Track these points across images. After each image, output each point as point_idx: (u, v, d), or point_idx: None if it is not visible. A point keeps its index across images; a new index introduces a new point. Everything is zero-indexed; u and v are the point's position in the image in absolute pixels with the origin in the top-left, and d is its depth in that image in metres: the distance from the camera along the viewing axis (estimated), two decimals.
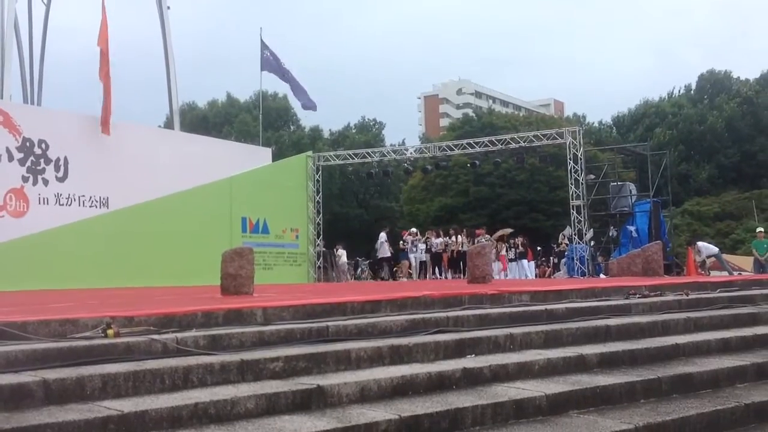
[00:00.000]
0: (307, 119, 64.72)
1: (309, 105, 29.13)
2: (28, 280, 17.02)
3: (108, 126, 20.77)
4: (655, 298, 10.08)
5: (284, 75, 28.53)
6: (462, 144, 27.65)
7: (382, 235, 27.74)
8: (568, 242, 26.37)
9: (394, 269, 28.64)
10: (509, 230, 31.03)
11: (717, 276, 20.19)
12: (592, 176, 26.77)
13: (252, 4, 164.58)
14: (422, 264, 27.16)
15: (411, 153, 30.55)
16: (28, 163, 18.98)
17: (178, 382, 5.39)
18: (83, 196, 20.08)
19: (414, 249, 27.14)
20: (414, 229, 29.43)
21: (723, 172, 56.58)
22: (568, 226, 26.19)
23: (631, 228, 25.31)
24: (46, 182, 19.32)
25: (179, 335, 6.11)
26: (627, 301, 9.70)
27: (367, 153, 29.04)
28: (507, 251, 27.42)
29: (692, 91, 66.32)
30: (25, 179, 18.86)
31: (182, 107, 54.28)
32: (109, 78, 21.23)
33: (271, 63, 28.22)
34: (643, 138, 51.81)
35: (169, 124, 32.99)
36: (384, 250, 27.71)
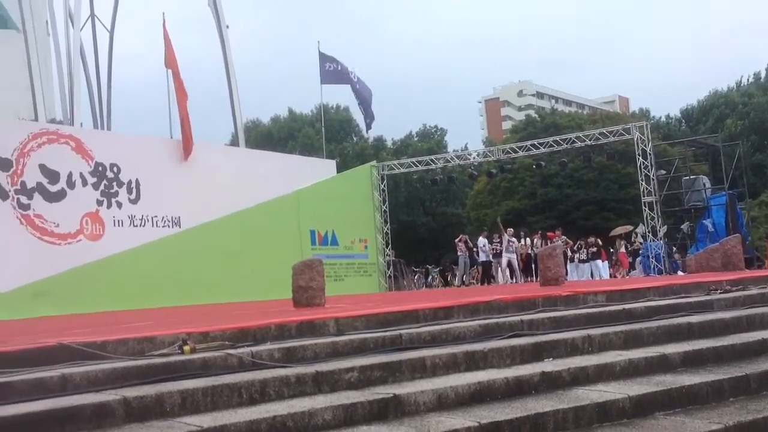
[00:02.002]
0: (369, 130, 64.94)
1: (368, 122, 29.22)
2: (107, 301, 17.43)
3: (189, 151, 21.26)
4: (737, 293, 9.75)
5: (353, 86, 28.64)
6: (526, 146, 27.34)
7: (481, 240, 27.02)
8: (642, 240, 25.80)
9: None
10: (629, 227, 29.85)
11: None
12: (663, 171, 26.18)
13: (309, 19, 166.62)
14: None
15: (474, 158, 30.35)
16: (102, 187, 19.43)
17: (256, 396, 5.40)
18: (156, 216, 20.45)
19: (510, 248, 26.28)
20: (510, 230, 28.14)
21: None
22: (641, 224, 25.64)
23: (707, 222, 24.64)
24: (119, 205, 19.75)
25: (254, 349, 6.15)
26: (708, 297, 9.41)
27: (431, 160, 28.97)
28: (579, 252, 26.96)
29: (762, 79, 64.38)
30: (99, 203, 19.31)
31: (246, 124, 55.11)
32: (185, 102, 21.70)
33: (333, 74, 28.36)
34: (713, 130, 50.48)
35: (234, 142, 33.46)
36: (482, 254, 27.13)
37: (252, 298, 18.19)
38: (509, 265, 25.96)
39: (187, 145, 21.41)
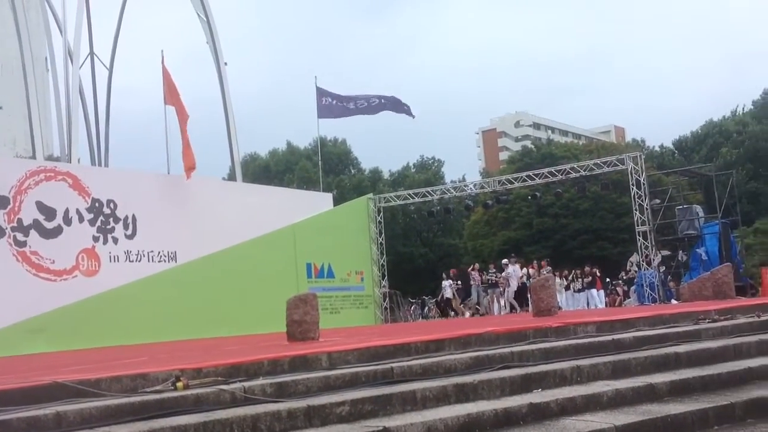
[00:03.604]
0: (366, 162, 65.40)
1: (404, 110, 29.01)
2: (103, 337, 17.51)
3: (190, 172, 21.48)
4: (725, 322, 9.85)
5: (354, 109, 28.74)
6: (522, 177, 27.54)
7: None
8: (636, 269, 25.91)
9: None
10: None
11: None
12: (657, 201, 26.35)
13: (306, 51, 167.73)
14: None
15: (471, 189, 30.56)
16: (98, 223, 19.56)
17: (247, 431, 5.49)
18: (152, 251, 20.56)
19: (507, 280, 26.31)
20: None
21: None
22: (635, 253, 25.76)
23: (701, 251, 24.78)
24: (116, 240, 19.87)
25: (246, 384, 6.24)
26: (696, 327, 9.52)
27: (428, 192, 29.15)
28: (575, 281, 27.07)
29: (757, 108, 64.85)
30: (95, 239, 19.43)
31: (244, 158, 55.54)
32: (185, 130, 22.05)
33: (329, 109, 28.61)
34: (708, 159, 50.79)
35: (231, 176, 33.66)
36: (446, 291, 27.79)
37: (248, 332, 18.28)
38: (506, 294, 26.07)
39: (187, 163, 21.63)
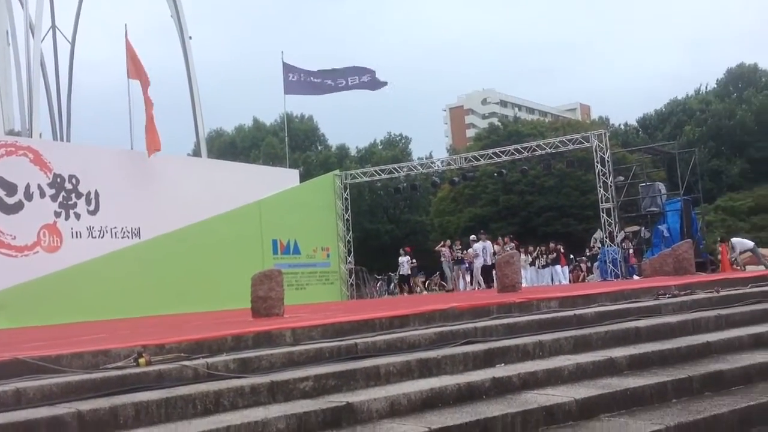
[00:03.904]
0: (333, 138, 65.18)
1: (374, 84, 28.78)
2: (65, 313, 17.32)
3: (153, 148, 21.25)
4: (685, 297, 10.01)
5: (321, 87, 28.53)
6: (488, 154, 27.62)
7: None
8: (600, 245, 26.21)
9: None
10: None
11: (749, 271, 19.95)
12: (621, 178, 26.60)
13: (273, 27, 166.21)
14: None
15: (438, 166, 30.60)
16: (60, 199, 19.31)
17: (210, 407, 5.48)
18: (115, 227, 20.38)
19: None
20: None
21: (755, 166, 55.80)
22: (599, 229, 26.05)
23: (663, 227, 25.11)
24: (78, 216, 19.63)
25: (209, 360, 6.22)
26: (657, 302, 9.65)
27: (394, 168, 29.14)
28: (540, 257, 27.33)
29: (720, 87, 65.67)
30: (57, 215, 19.18)
31: (210, 134, 55.06)
32: (150, 106, 21.79)
33: (296, 85, 28.39)
34: (672, 137, 51.37)
35: (196, 152, 33.40)
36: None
37: (213, 309, 18.19)
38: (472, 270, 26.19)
39: (151, 144, 21.40)
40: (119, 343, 6.57)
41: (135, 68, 22.78)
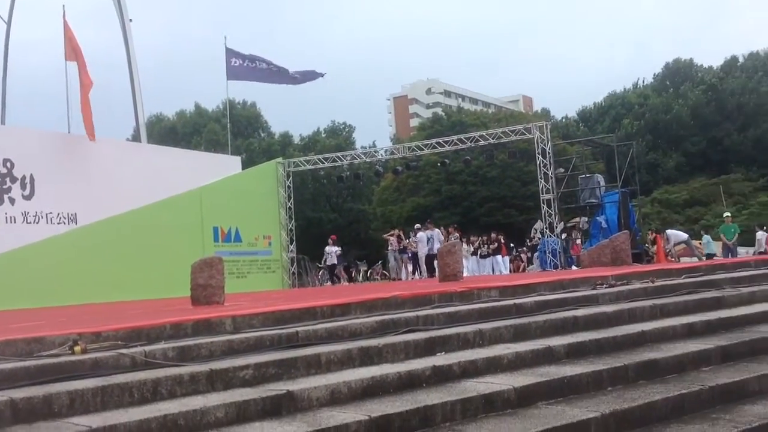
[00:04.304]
0: (277, 126, 64.73)
1: (307, 77, 28.68)
2: None
3: (92, 132, 20.83)
4: (621, 287, 10.20)
5: (264, 74, 28.25)
6: (432, 143, 27.74)
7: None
8: (540, 236, 26.57)
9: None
10: None
11: (683, 263, 20.47)
12: (561, 170, 26.98)
13: (217, 13, 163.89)
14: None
15: (381, 155, 30.64)
16: None
17: (147, 395, 5.40)
18: (51, 213, 19.94)
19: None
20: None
21: (690, 160, 57.23)
22: (539, 220, 26.39)
23: (601, 219, 25.57)
24: (12, 201, 19.15)
25: (147, 348, 6.12)
26: (594, 292, 9.81)
27: (338, 157, 29.06)
28: (481, 247, 27.57)
29: (657, 81, 67.05)
30: None
31: (150, 119, 54.09)
32: (87, 87, 21.30)
33: (239, 71, 28.06)
34: (611, 130, 52.30)
35: (136, 137, 32.83)
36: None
37: (152, 296, 17.95)
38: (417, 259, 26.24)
39: (90, 128, 21.03)
40: (54, 331, 6.42)
41: (73, 50, 22.26)
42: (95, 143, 21.19)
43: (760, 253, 22.60)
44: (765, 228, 24.70)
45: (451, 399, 5.81)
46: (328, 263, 28.96)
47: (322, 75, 28.54)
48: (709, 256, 24.80)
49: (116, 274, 19.69)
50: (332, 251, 28.50)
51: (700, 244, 27.08)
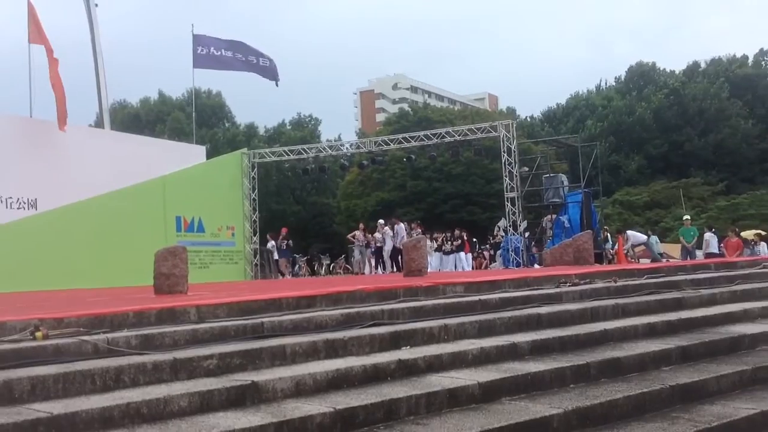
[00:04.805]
0: (242, 116, 64.31)
1: (271, 73, 28.54)
2: None
3: (64, 122, 20.51)
4: (584, 286, 10.30)
5: (230, 62, 28.00)
6: (398, 138, 27.75)
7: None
8: (503, 234, 26.72)
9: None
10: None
11: (644, 263, 20.75)
12: (526, 169, 27.17)
13: (183, 2, 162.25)
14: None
15: (347, 148, 30.55)
16: None
17: (110, 383, 5.34)
18: (10, 198, 19.59)
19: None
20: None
21: (652, 162, 57.99)
22: (503, 218, 26.54)
23: (564, 218, 25.80)
24: None
25: (110, 336, 6.05)
26: (558, 290, 9.89)
27: (303, 149, 28.91)
28: (444, 243, 27.64)
29: (621, 84, 67.81)
30: None
31: (113, 106, 53.39)
32: (58, 75, 20.95)
33: (206, 59, 27.76)
34: (574, 130, 52.81)
35: (99, 123, 32.35)
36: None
37: (113, 285, 17.69)
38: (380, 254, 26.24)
39: (61, 116, 20.72)
40: (14, 316, 6.32)
41: (38, 32, 21.87)
42: (55, 128, 20.84)
43: (709, 254, 22.93)
44: (713, 230, 25.09)
45: (416, 393, 5.83)
46: (275, 258, 28.43)
47: (277, 78, 28.60)
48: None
49: (76, 261, 19.39)
50: (282, 244, 27.78)
51: None
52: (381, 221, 27.03)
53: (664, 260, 23.88)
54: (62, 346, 5.69)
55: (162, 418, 5.03)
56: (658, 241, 27.85)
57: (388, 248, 25.34)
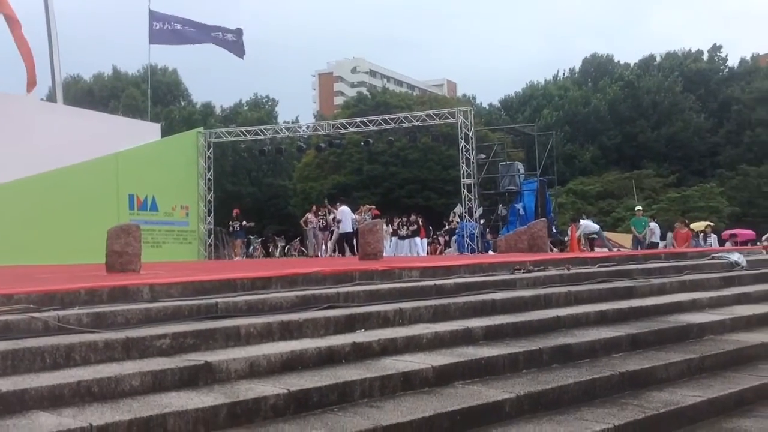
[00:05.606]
0: (198, 95, 63.55)
1: (237, 48, 28.15)
2: None
3: (33, 85, 20.10)
4: (538, 273, 10.39)
5: (187, 36, 27.59)
6: (356, 122, 27.73)
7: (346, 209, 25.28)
8: (459, 220, 26.87)
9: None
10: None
11: (597, 252, 21.03)
12: (483, 156, 27.34)
13: None
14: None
15: (304, 130, 30.43)
16: None
17: (60, 361, 5.25)
18: None
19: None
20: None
21: (605, 153, 58.80)
22: (459, 205, 26.68)
23: (519, 206, 26.03)
24: None
25: (61, 313, 5.94)
26: (512, 276, 9.98)
27: (260, 130, 28.72)
28: (400, 228, 27.68)
29: (577, 74, 68.51)
30: None
31: (66, 80, 52.29)
32: (23, 37, 20.47)
33: (162, 34, 27.33)
34: (531, 119, 53.27)
35: (51, 98, 31.69)
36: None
37: (63, 262, 17.42)
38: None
39: (31, 79, 20.30)
40: None
41: None
42: (6, 101, 20.38)
43: (652, 243, 23.55)
44: (656, 219, 25.94)
45: (370, 376, 5.84)
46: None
47: (243, 52, 28.18)
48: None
49: (27, 237, 19.05)
50: (235, 225, 27.23)
51: None
52: (338, 204, 26.80)
53: (615, 250, 24.24)
54: (11, 323, 5.57)
55: (113, 397, 4.96)
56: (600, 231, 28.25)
57: (342, 229, 25.19)
